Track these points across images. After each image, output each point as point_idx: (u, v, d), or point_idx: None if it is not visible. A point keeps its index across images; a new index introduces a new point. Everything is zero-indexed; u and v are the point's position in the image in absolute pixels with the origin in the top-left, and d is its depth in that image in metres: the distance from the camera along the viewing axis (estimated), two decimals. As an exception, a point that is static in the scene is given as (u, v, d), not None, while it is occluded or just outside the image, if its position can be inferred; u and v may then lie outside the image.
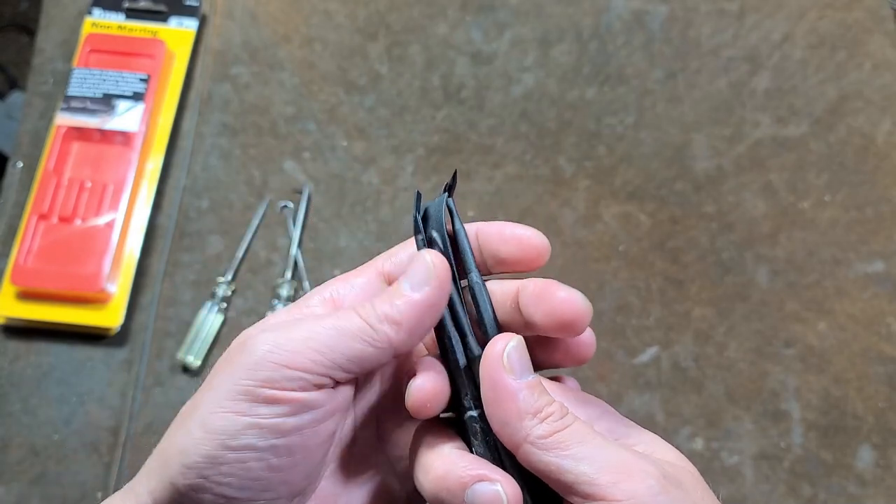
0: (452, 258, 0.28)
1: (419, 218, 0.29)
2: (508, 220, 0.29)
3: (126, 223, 0.57)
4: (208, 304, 0.56)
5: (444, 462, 0.24)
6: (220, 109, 0.63)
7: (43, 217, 0.56)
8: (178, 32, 0.63)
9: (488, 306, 0.27)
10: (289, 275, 0.57)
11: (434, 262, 0.26)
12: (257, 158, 0.61)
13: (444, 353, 0.27)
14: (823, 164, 0.62)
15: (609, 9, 0.66)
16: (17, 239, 0.56)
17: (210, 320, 0.55)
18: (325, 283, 0.29)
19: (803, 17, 0.66)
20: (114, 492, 0.56)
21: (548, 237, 0.28)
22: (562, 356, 0.28)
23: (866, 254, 0.60)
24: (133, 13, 0.63)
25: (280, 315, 0.28)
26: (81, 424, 0.54)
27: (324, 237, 0.59)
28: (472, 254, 0.28)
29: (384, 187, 0.61)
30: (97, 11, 0.63)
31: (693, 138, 0.63)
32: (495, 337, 0.25)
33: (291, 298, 0.57)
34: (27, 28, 1.34)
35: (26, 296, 0.55)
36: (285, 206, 0.60)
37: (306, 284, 0.57)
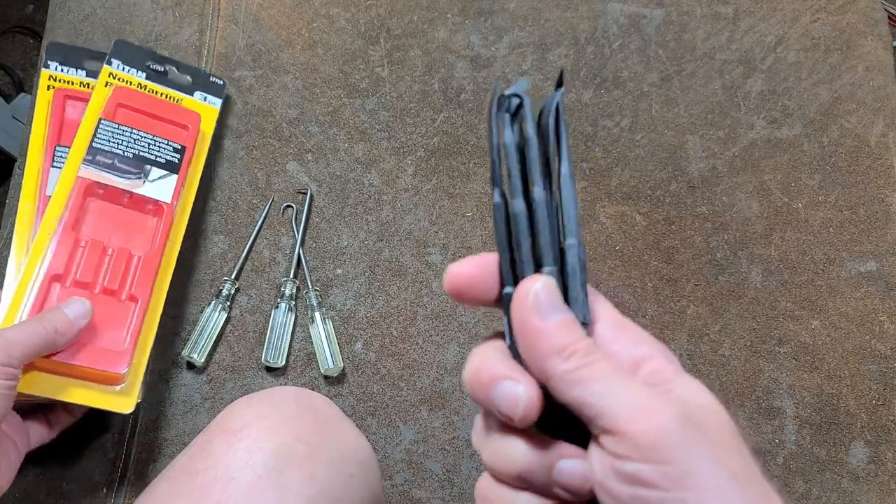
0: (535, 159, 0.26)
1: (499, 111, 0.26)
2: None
3: (154, 306, 0.51)
4: (213, 302, 0.57)
5: (482, 359, 0.26)
6: (224, 112, 0.63)
7: (57, 279, 0.49)
8: (203, 107, 0.60)
9: (551, 225, 0.26)
10: (292, 274, 0.58)
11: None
12: (261, 160, 0.62)
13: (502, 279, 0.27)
14: (816, 165, 0.63)
15: (605, 13, 0.67)
16: (21, 297, 0.48)
17: (214, 318, 0.56)
18: None
19: (797, 21, 0.67)
20: (119, 487, 0.57)
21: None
22: None
23: (859, 253, 0.60)
24: (154, 75, 0.60)
25: None
26: (87, 421, 0.54)
27: (326, 237, 0.60)
28: (562, 155, 0.26)
29: (385, 188, 0.62)
30: (116, 63, 0.59)
31: (688, 140, 0.63)
32: (526, 278, 0.26)
33: (294, 297, 0.58)
34: (33, 31, 1.35)
35: (30, 366, 0.46)
36: (288, 207, 0.61)
37: (309, 283, 0.58)
